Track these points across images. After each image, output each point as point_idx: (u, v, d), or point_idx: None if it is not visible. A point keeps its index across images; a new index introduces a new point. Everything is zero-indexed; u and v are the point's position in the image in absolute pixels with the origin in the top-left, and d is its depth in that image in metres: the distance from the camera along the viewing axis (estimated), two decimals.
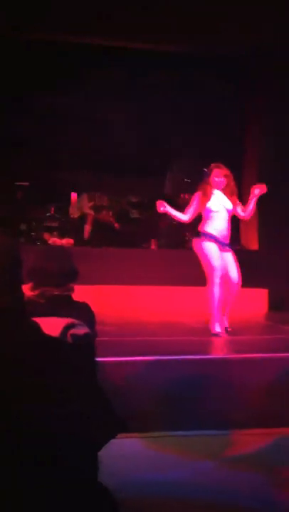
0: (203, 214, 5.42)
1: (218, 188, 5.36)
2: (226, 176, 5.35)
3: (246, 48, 8.04)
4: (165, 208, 5.47)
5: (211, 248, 5.27)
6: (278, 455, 2.67)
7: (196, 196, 5.42)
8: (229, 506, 2.22)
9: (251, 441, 2.81)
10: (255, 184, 5.50)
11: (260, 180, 5.65)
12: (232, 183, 5.39)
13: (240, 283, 5.35)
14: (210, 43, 7.99)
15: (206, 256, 5.28)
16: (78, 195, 9.26)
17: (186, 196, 9.26)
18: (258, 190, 5.32)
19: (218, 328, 5.22)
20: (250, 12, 7.34)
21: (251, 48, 8.01)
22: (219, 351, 4.92)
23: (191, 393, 3.55)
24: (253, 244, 8.51)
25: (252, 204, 5.40)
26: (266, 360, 4.25)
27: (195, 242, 5.40)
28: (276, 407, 3.30)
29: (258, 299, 7.45)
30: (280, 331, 5.99)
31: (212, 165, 5.44)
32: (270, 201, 5.39)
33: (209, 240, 5.30)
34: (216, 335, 5.18)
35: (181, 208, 9.17)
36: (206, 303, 6.79)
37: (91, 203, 9.36)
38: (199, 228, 5.40)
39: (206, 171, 5.49)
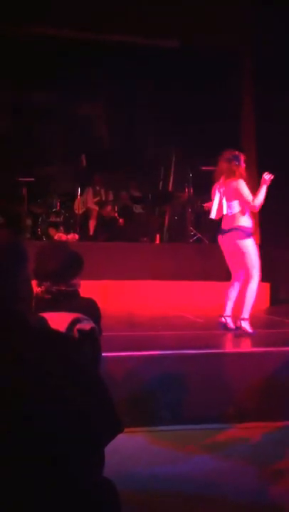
0: (241, 205, 5.15)
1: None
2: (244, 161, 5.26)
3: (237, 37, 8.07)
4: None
5: (255, 246, 5.20)
6: (271, 448, 2.73)
7: (244, 183, 5.11)
8: (224, 499, 2.27)
9: (247, 434, 2.87)
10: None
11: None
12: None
13: None
14: (201, 34, 8.01)
15: (254, 254, 5.16)
16: (83, 191, 9.30)
17: (192, 191, 9.31)
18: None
19: (250, 327, 5.09)
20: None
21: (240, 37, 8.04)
22: (222, 345, 4.98)
23: (191, 387, 3.62)
24: (255, 238, 8.55)
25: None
26: (267, 354, 4.31)
27: (246, 240, 5.13)
28: (276, 401, 3.37)
29: (260, 293, 7.47)
30: (281, 324, 6.04)
31: (237, 151, 5.26)
32: (273, 198, 5.38)
33: (253, 237, 5.22)
34: (252, 333, 5.05)
35: (185, 202, 9.33)
36: (210, 297, 6.88)
37: (96, 199, 9.41)
38: (246, 224, 5.16)
39: (236, 155, 5.19)
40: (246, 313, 5.11)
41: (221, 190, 5.22)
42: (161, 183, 10.17)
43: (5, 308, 1.44)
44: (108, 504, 1.42)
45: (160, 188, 10.18)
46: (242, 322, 5.09)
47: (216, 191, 5.27)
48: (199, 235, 8.84)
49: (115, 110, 9.84)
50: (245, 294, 5.10)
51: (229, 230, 5.21)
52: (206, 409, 3.20)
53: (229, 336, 5.21)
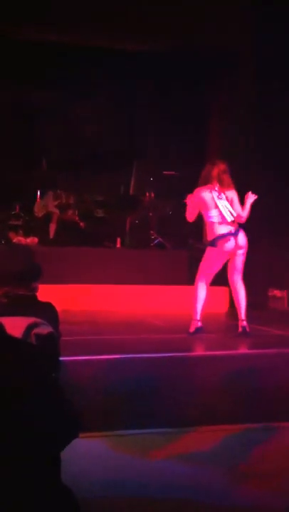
0: None
1: None
2: None
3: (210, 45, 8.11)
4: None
5: None
6: (236, 451, 2.73)
7: None
8: (191, 502, 2.26)
9: (210, 437, 2.87)
10: None
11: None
12: None
13: None
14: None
15: None
16: (43, 194, 9.21)
17: (152, 195, 9.33)
18: None
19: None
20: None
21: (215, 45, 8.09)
22: (182, 349, 4.98)
23: (153, 391, 3.60)
24: None
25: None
26: (227, 358, 4.33)
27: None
28: (236, 404, 3.38)
29: (220, 297, 7.51)
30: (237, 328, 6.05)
31: (226, 163, 5.53)
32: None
33: None
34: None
35: (147, 207, 9.34)
36: (171, 301, 6.90)
37: (56, 202, 9.32)
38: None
39: (228, 166, 5.54)
40: (244, 313, 5.40)
41: (223, 197, 5.34)
42: (122, 186, 10.16)
43: None
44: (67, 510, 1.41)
45: (122, 191, 10.18)
46: (245, 322, 5.36)
47: (214, 195, 5.34)
48: (160, 239, 8.85)
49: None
50: (240, 298, 5.40)
51: (236, 233, 5.37)
52: (169, 412, 3.18)
53: (190, 339, 5.23)
